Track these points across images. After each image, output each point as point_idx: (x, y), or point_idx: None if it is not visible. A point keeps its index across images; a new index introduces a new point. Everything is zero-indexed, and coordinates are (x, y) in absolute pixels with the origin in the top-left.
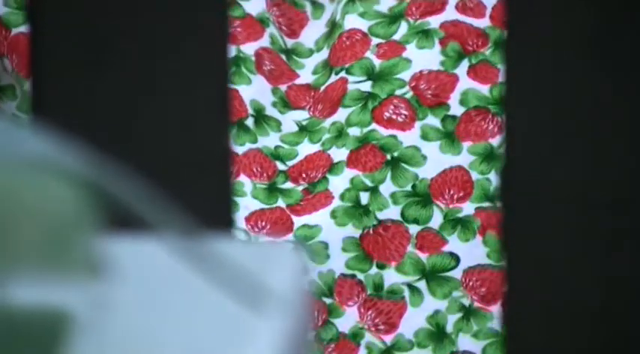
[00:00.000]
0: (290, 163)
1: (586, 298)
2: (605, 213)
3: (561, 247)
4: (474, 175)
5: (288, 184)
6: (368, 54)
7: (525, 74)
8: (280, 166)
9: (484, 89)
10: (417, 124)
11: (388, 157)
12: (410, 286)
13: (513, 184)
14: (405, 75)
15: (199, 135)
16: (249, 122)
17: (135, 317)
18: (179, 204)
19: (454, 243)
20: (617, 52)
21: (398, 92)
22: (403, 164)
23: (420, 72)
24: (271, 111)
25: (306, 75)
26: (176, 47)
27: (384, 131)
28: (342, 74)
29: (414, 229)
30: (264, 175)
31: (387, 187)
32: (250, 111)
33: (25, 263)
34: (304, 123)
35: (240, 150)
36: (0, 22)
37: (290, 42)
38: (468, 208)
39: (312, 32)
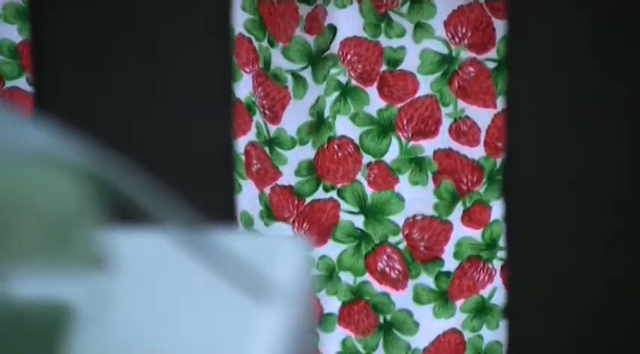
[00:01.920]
0: None
1: (586, 295)
2: (606, 212)
3: (561, 245)
4: (466, 335)
5: None
6: (359, 177)
7: (526, 74)
8: None
9: (477, 235)
10: (410, 284)
11: (381, 319)
12: None
13: (514, 183)
14: (399, 218)
15: (202, 129)
16: None
17: (137, 309)
18: (182, 197)
19: None
20: (617, 53)
21: (392, 239)
22: (395, 331)
23: (414, 217)
24: (258, 224)
25: (289, 174)
26: (177, 43)
27: (377, 286)
28: (334, 195)
29: None
30: None
31: None
32: (240, 226)
33: (27, 257)
34: None
35: None
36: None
37: (273, 129)
38: None
39: (295, 116)
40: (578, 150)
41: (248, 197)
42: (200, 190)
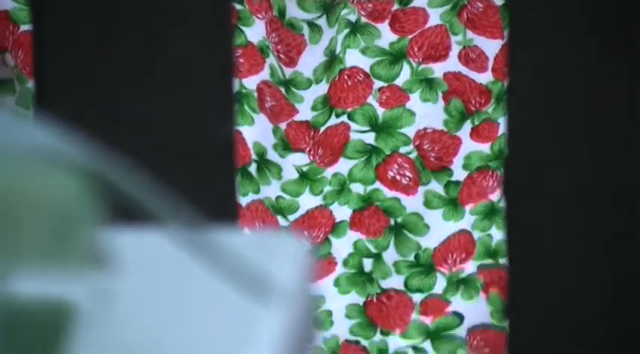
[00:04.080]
0: (291, 218)
1: (589, 295)
2: (608, 210)
3: (564, 243)
4: (476, 234)
5: None
6: (370, 99)
7: (527, 72)
8: (282, 221)
9: (486, 148)
10: (421, 190)
11: (392, 222)
12: (415, 348)
13: (515, 181)
14: (409, 130)
15: (202, 126)
16: (253, 169)
17: (138, 309)
18: (182, 196)
19: (458, 303)
20: (619, 50)
21: (402, 150)
22: (406, 232)
23: (424, 129)
24: (272, 155)
25: (305, 110)
26: (178, 38)
27: (387, 192)
28: (344, 119)
29: (417, 297)
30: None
31: (390, 255)
32: (253, 156)
33: (28, 255)
34: (304, 169)
35: (243, 201)
36: (8, 17)
37: (288, 72)
38: (470, 268)
39: (311, 59)
40: (580, 147)
41: (261, 130)
42: (201, 183)
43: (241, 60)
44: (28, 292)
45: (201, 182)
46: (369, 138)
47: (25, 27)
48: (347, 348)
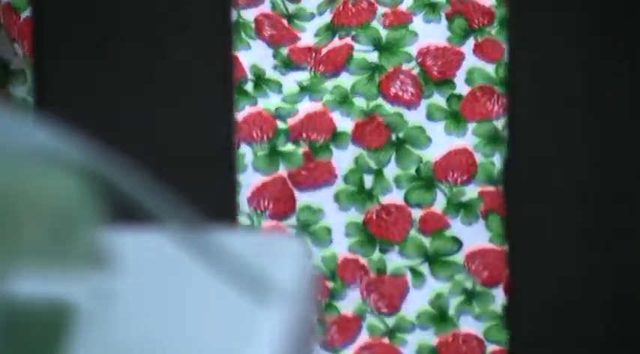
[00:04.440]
0: (291, 121)
1: (590, 293)
2: (609, 208)
3: (565, 242)
4: (478, 157)
5: (289, 147)
6: (374, 23)
7: (527, 71)
8: (280, 125)
9: (489, 67)
10: (423, 103)
11: (393, 137)
12: (412, 269)
13: (515, 179)
14: (412, 49)
15: (203, 127)
16: (249, 86)
17: (138, 309)
18: (182, 196)
19: (457, 226)
20: (620, 48)
21: (405, 66)
22: (408, 146)
23: (427, 47)
24: (272, 74)
25: (307, 37)
26: (178, 44)
27: (389, 108)
28: (347, 39)
29: (417, 212)
30: (264, 136)
31: (390, 170)
32: (250, 76)
33: (28, 255)
34: (305, 83)
35: (240, 115)
36: (10, 7)
37: (292, 7)
38: (471, 191)
39: None
40: (582, 143)
41: (260, 54)
42: (201, 183)
43: None
44: (28, 292)
45: (201, 183)
46: (373, 57)
47: (25, 13)
48: (346, 265)
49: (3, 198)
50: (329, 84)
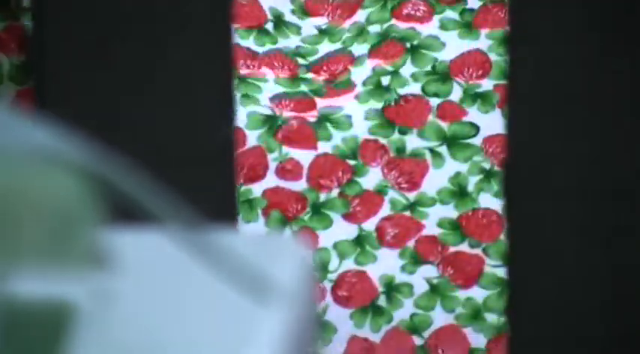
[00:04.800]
0: (311, 59)
1: (590, 292)
2: (609, 205)
3: (565, 239)
4: (492, 56)
5: (310, 75)
6: None
7: (528, 68)
8: (301, 61)
9: None
10: (436, 17)
11: (407, 45)
12: (432, 150)
13: (516, 176)
14: None
15: (203, 127)
16: (269, 26)
17: (138, 309)
18: (182, 196)
19: (474, 114)
20: (620, 45)
21: None
22: (423, 50)
23: None
24: (290, 17)
25: None
26: (178, 44)
27: (403, 25)
28: None
29: (434, 101)
30: (286, 68)
31: (407, 69)
32: (269, 16)
33: (28, 255)
34: (324, 27)
35: (260, 49)
36: None
37: None
38: (486, 84)
39: None
40: (582, 143)
41: (277, 1)
42: (201, 184)
43: None
44: (28, 292)
45: (201, 183)
46: None
47: None
48: (366, 146)
49: (3, 198)
50: (346, 25)
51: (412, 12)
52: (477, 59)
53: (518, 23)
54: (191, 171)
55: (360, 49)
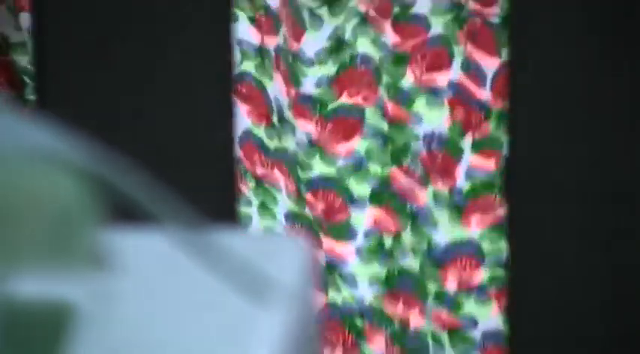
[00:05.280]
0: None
1: (590, 293)
2: (609, 208)
3: (565, 241)
4: (485, 247)
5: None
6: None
7: (528, 71)
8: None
9: (489, 173)
10: (430, 189)
11: (407, 209)
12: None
13: (516, 179)
14: (418, 130)
15: (203, 127)
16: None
17: (138, 310)
18: (182, 196)
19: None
20: (619, 48)
21: (413, 145)
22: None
23: (432, 133)
24: (287, 115)
25: (309, 86)
26: (178, 44)
27: (403, 179)
28: (358, 100)
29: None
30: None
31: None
32: (274, 115)
33: (29, 256)
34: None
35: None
36: None
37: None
38: (481, 273)
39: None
40: (582, 144)
41: (278, 89)
42: (201, 184)
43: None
44: (28, 292)
45: (201, 183)
46: (383, 126)
47: None
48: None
49: (3, 198)
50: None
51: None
52: (471, 251)
53: (518, 25)
54: (191, 171)
55: (358, 188)
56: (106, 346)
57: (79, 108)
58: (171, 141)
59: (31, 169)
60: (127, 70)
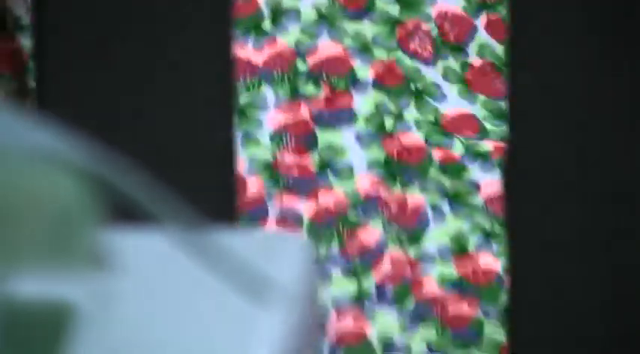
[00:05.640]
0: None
1: (590, 293)
2: (609, 208)
3: (565, 241)
4: (487, 125)
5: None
6: None
7: (528, 71)
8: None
9: (498, 46)
10: (440, 64)
11: (412, 87)
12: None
13: (516, 179)
14: (432, 10)
15: (202, 131)
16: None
17: (138, 309)
18: (182, 196)
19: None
20: (619, 48)
21: (424, 27)
22: (425, 97)
23: (445, 13)
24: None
25: None
26: (178, 45)
27: (408, 61)
28: None
29: (436, 153)
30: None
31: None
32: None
33: (29, 255)
34: (324, 11)
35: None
36: None
37: None
38: (483, 145)
39: None
40: (582, 143)
41: None
42: (201, 184)
43: None
44: (28, 292)
45: (201, 183)
46: (394, 10)
47: None
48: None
49: (3, 198)
50: (351, 28)
51: (419, 49)
52: (473, 125)
53: (519, 26)
54: (191, 171)
55: (362, 71)
56: (106, 346)
57: (79, 108)
58: (171, 141)
59: (31, 169)
60: (127, 70)
